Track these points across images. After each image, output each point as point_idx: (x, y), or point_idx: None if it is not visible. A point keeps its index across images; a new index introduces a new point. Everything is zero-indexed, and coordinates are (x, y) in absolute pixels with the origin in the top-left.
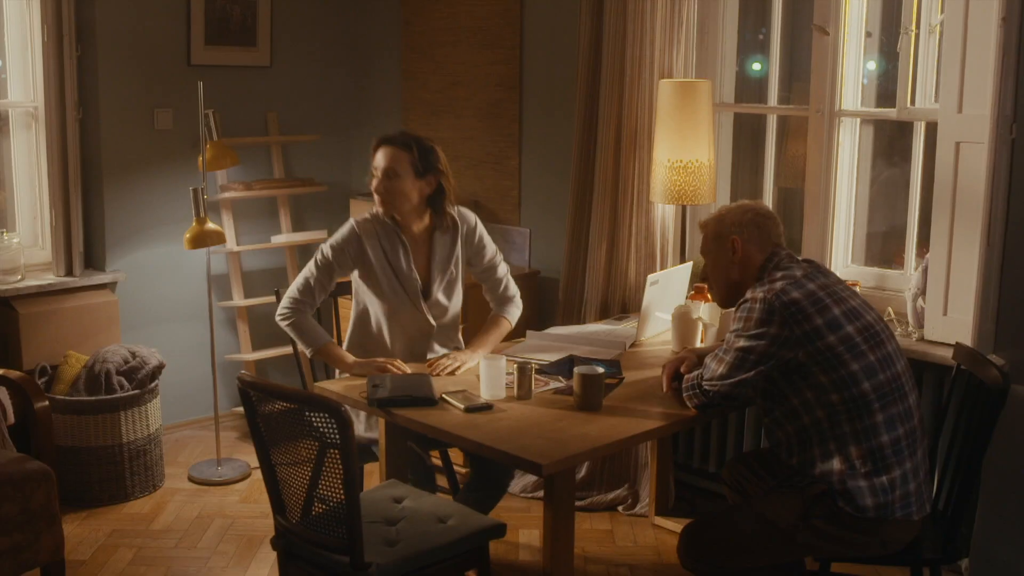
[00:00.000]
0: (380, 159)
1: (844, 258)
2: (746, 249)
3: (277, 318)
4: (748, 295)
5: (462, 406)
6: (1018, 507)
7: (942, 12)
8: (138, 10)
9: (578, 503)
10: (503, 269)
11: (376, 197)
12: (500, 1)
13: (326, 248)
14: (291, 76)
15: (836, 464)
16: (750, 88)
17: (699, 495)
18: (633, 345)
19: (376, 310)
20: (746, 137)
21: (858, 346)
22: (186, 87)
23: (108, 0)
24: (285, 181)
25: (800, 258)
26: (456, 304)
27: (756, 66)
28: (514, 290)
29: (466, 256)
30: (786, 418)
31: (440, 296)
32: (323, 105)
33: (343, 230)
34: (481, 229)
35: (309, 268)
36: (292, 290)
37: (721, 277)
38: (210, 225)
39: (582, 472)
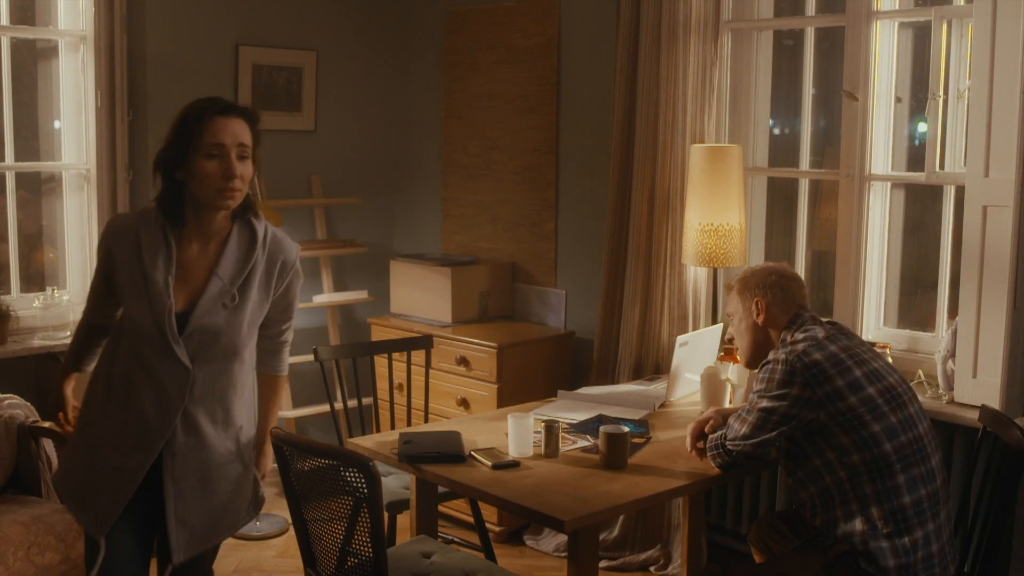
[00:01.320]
0: (231, 132)
1: (876, 320)
2: (770, 311)
3: None
4: (771, 356)
5: (490, 463)
6: None
7: (970, 78)
8: (187, 76)
9: (611, 563)
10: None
11: (229, 185)
12: (538, 69)
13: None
14: (335, 140)
15: (858, 525)
16: (785, 151)
17: (732, 556)
18: (663, 405)
19: (116, 342)
20: (781, 200)
21: (879, 407)
22: None
23: (159, 66)
24: (327, 242)
25: (825, 320)
26: (245, 348)
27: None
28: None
29: (272, 293)
30: (809, 479)
31: (206, 322)
32: (365, 168)
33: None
34: (298, 268)
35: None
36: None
37: (747, 338)
38: None
39: (615, 532)
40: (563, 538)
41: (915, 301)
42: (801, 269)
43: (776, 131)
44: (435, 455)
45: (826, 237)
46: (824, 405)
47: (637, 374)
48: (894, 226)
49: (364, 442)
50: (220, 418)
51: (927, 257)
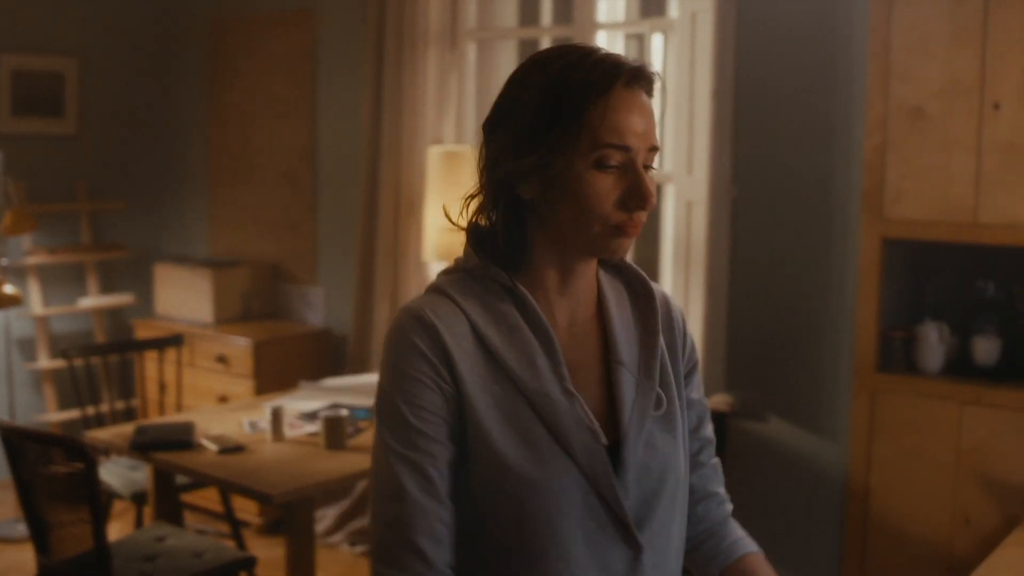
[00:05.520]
0: (643, 123)
1: None
2: None
3: None
4: None
5: (216, 447)
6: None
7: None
8: None
9: (363, 548)
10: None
11: (635, 219)
12: (295, 75)
13: (389, 393)
14: (99, 145)
15: None
16: None
17: None
18: None
19: (490, 504)
20: None
21: None
22: None
23: None
24: (93, 246)
25: None
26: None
27: None
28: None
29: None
30: None
31: (644, 454)
32: (132, 173)
33: (393, 336)
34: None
35: (384, 460)
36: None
37: None
38: (6, 288)
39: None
40: (322, 525)
41: None
42: None
43: None
44: (164, 443)
45: None
46: None
47: None
48: None
49: (101, 434)
50: None
51: (655, 251)
